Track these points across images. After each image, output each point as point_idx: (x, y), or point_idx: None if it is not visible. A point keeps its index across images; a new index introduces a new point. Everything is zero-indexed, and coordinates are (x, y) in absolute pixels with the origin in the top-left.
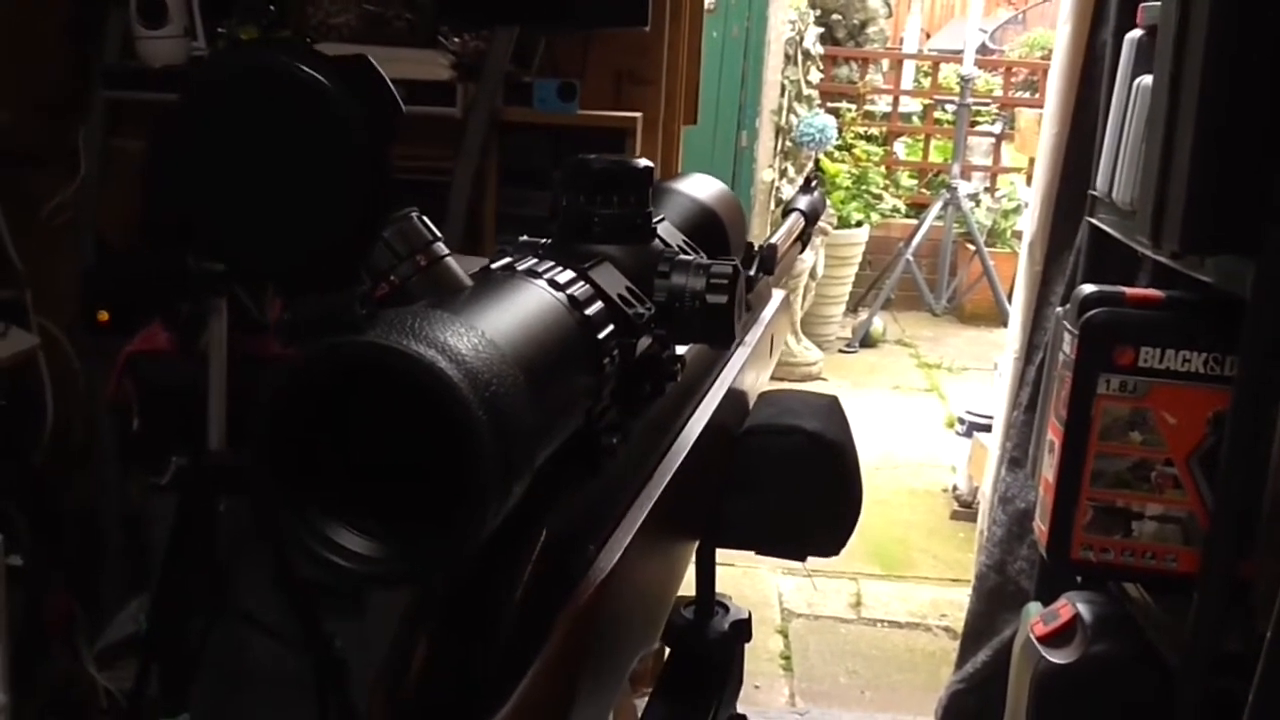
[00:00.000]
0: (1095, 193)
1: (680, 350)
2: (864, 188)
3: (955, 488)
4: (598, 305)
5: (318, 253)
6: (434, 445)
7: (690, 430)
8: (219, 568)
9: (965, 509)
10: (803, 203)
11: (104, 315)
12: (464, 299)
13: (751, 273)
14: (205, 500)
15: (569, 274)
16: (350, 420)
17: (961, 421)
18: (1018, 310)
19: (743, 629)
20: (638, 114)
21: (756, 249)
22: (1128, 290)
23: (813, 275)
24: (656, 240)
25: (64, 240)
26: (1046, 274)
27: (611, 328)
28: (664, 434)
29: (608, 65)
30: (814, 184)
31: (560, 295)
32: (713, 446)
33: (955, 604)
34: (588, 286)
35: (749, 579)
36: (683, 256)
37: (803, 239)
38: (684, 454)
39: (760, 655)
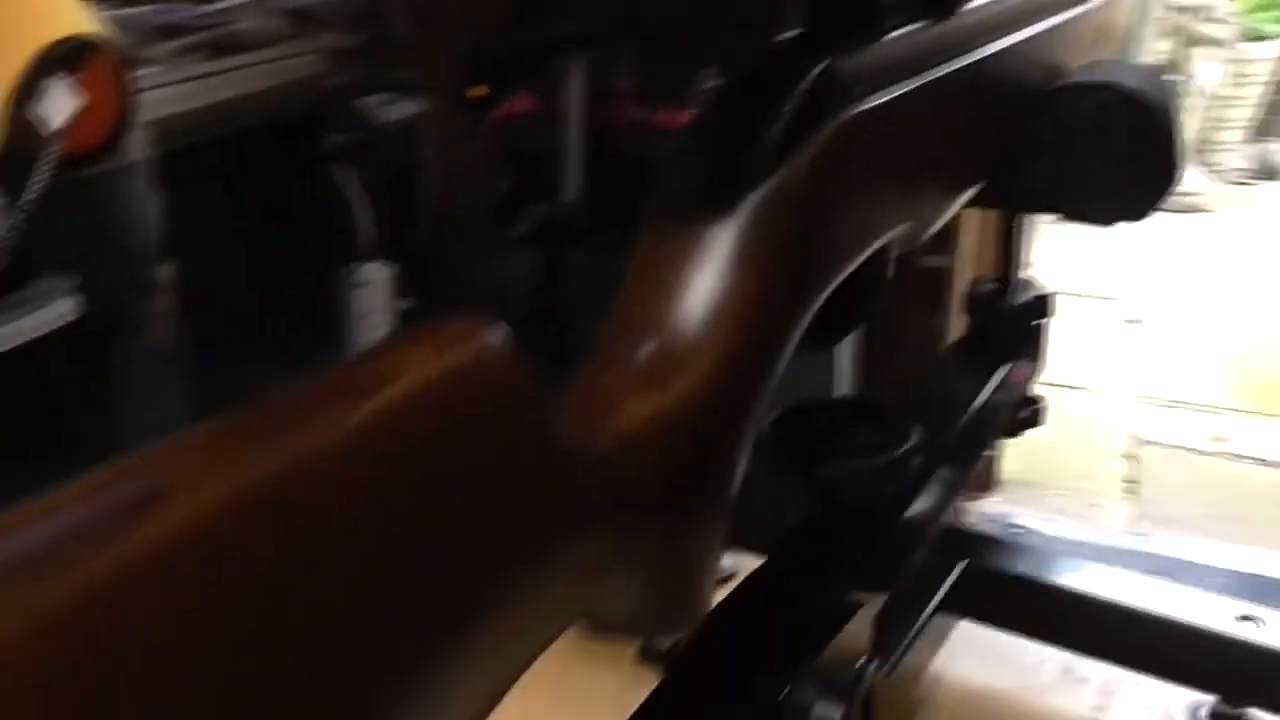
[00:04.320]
0: None
1: None
2: None
3: None
4: None
5: None
6: None
7: (990, 49)
8: (568, 315)
9: None
10: None
11: (480, 91)
12: None
13: None
14: (559, 249)
15: None
16: None
17: None
18: None
19: (1043, 303)
20: None
21: None
22: None
23: (1207, 93)
24: None
25: (448, 21)
26: None
27: None
28: (960, 48)
29: None
30: None
31: None
32: (1009, 81)
33: None
34: None
35: (1098, 405)
36: None
37: None
38: (980, 63)
39: (1101, 478)
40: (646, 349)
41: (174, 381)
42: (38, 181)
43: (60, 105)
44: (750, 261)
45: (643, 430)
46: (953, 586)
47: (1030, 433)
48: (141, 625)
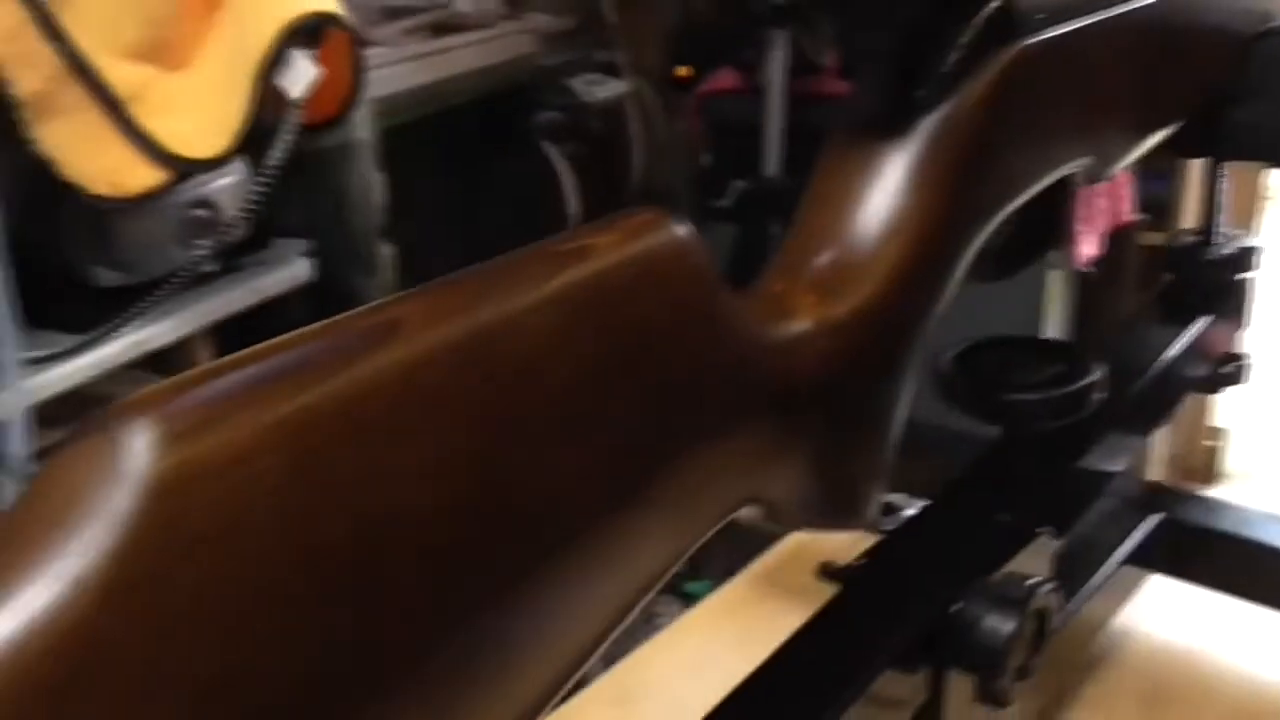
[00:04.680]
0: None
1: None
2: None
3: None
4: None
5: None
6: None
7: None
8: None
9: None
10: None
11: (684, 71)
12: None
13: None
14: (759, 221)
15: None
16: None
17: None
18: None
19: (1247, 257)
20: None
21: None
22: None
23: None
24: None
25: (654, 3)
26: None
27: None
28: None
29: None
30: None
31: None
32: (1209, 23)
33: None
34: None
35: None
36: None
37: None
38: (1174, 1)
39: None
40: (821, 259)
41: None
42: (279, 149)
43: (301, 76)
44: (922, 183)
45: (813, 333)
46: (1145, 539)
47: (1260, 424)
48: (371, 439)
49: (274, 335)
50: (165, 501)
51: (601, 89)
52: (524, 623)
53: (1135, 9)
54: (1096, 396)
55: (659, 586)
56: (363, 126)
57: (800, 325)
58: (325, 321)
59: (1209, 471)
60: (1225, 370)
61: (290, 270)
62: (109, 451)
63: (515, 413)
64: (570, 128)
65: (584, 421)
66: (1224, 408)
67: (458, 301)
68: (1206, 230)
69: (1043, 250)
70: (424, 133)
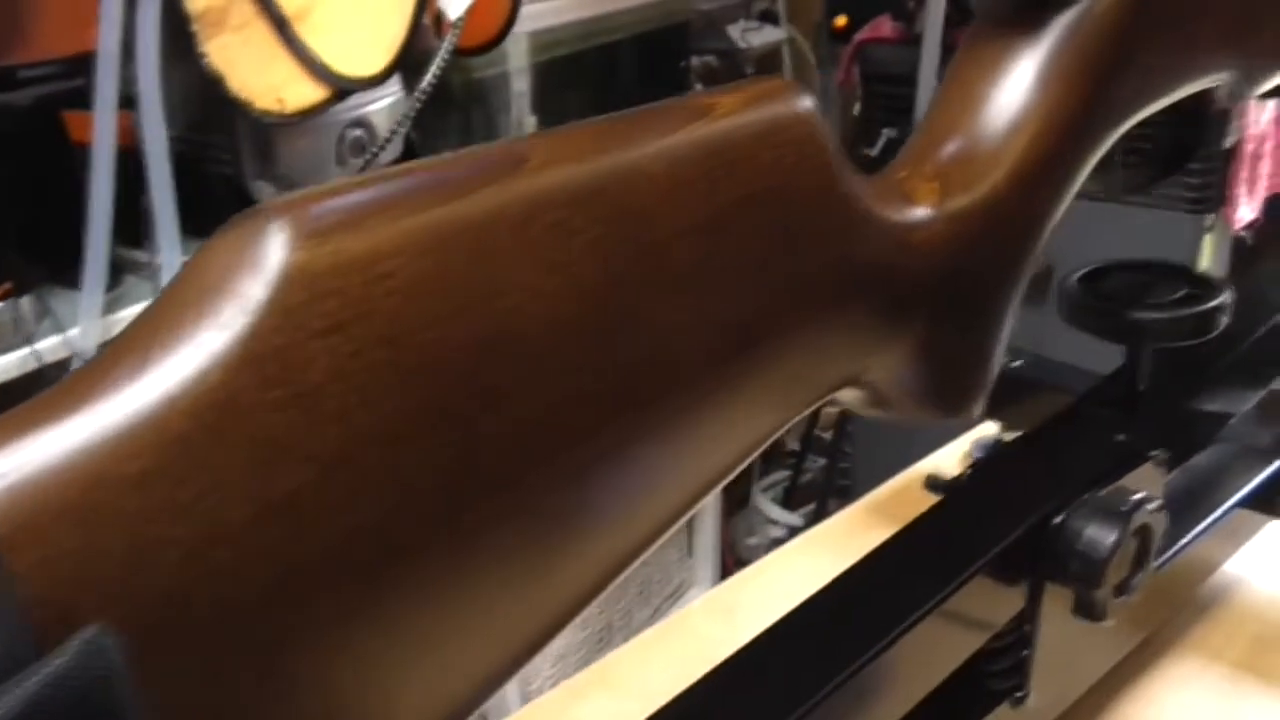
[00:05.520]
0: None
1: None
2: None
3: None
4: None
5: None
6: None
7: None
8: None
9: None
10: None
11: (841, 21)
12: None
13: None
14: None
15: None
16: None
17: None
18: None
19: None
20: None
21: None
22: None
23: None
24: None
25: None
26: None
27: None
28: None
29: None
30: None
31: None
32: None
33: None
34: None
35: None
36: None
37: None
38: None
39: None
40: (947, 149)
41: None
42: (434, 70)
43: None
44: (1054, 79)
45: (932, 218)
46: (1266, 482)
47: None
48: (490, 260)
49: None
50: (295, 291)
51: (758, 36)
52: (615, 475)
53: None
54: (1224, 320)
55: (751, 459)
56: (517, 59)
57: (920, 210)
58: (459, 150)
59: None
60: None
61: None
62: (250, 242)
63: (628, 258)
64: (725, 73)
65: (695, 277)
66: None
67: (582, 144)
68: None
69: (1170, 172)
70: (577, 70)
